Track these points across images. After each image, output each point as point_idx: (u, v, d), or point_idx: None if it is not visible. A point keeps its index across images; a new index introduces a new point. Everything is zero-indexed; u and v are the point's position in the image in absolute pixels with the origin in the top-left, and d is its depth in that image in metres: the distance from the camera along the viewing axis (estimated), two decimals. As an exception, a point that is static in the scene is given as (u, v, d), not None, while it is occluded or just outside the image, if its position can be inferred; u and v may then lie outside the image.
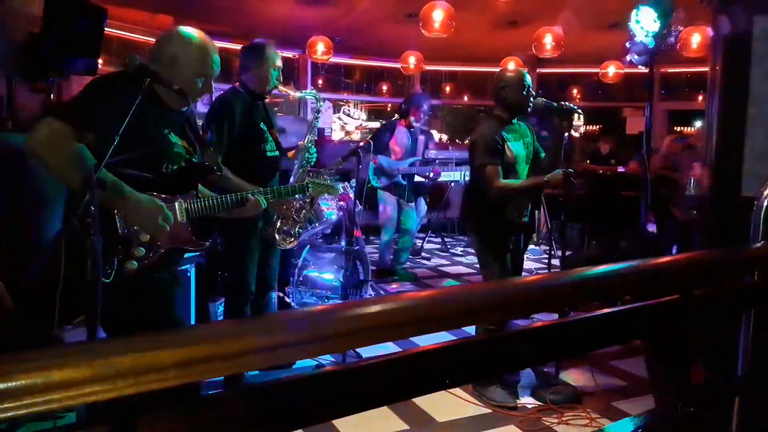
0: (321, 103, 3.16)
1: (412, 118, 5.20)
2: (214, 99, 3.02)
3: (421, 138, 5.42)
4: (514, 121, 3.04)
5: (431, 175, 5.39)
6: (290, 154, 3.10)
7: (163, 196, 1.90)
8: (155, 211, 1.82)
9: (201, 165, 2.09)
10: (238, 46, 3.51)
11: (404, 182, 5.30)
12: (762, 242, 1.66)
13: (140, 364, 0.64)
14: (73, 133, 1.72)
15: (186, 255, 2.12)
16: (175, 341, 0.68)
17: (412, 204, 5.46)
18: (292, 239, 2.97)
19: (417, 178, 5.46)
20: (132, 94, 1.73)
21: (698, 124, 8.68)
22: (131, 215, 1.80)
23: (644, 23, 3.17)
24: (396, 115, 5.47)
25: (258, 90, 2.94)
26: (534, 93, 3.02)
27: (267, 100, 3.09)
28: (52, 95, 4.43)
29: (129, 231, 1.81)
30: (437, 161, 5.84)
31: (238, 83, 2.99)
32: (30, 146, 1.72)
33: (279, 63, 2.96)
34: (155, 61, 1.95)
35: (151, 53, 1.99)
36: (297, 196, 2.80)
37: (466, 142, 8.54)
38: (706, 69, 3.40)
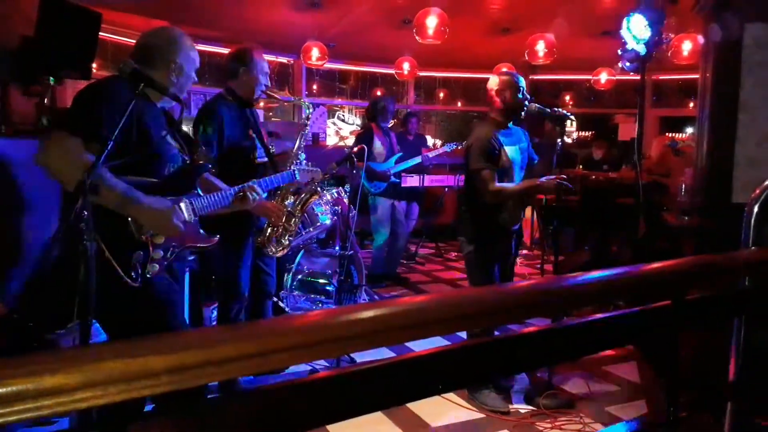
0: (310, 110, 3.15)
1: (380, 122, 5.31)
2: (200, 107, 2.99)
3: (393, 135, 5.49)
4: (510, 125, 3.05)
5: (422, 160, 5.46)
6: (278, 157, 3.08)
7: (169, 198, 1.91)
8: (169, 213, 1.85)
9: (197, 164, 2.11)
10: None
11: (398, 181, 5.33)
12: (753, 248, 1.68)
13: (132, 370, 0.64)
14: (84, 144, 1.72)
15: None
16: (167, 347, 0.67)
17: (404, 207, 5.48)
18: (282, 248, 2.96)
19: (410, 182, 5.49)
20: (128, 99, 1.73)
21: (689, 130, 8.74)
22: (147, 220, 1.82)
23: (636, 31, 3.19)
24: (371, 121, 5.53)
25: (245, 96, 2.91)
26: (528, 96, 3.03)
27: (262, 105, 3.09)
28: (46, 99, 4.41)
29: (144, 236, 1.82)
30: (431, 166, 5.86)
31: (224, 90, 2.95)
32: (43, 161, 1.73)
33: (267, 68, 2.94)
34: (144, 62, 1.94)
35: (143, 55, 1.99)
36: (287, 202, 2.82)
37: (460, 147, 8.52)
38: (697, 76, 3.42)
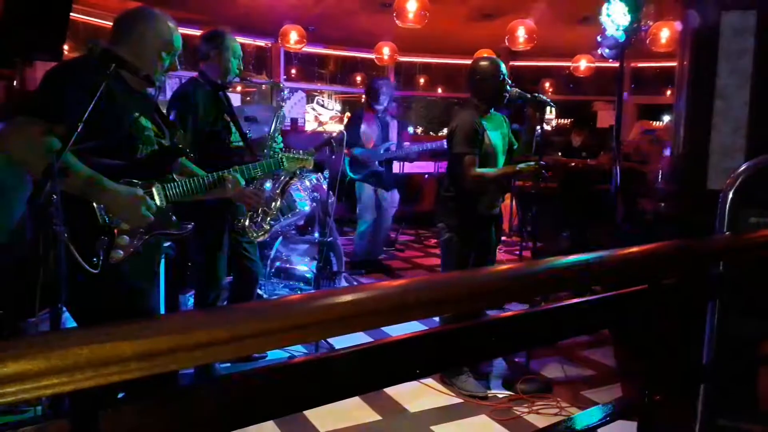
0: (285, 92, 3.11)
1: (378, 106, 5.23)
2: (174, 91, 2.94)
3: (393, 123, 5.42)
4: (491, 111, 3.05)
5: (413, 154, 5.40)
6: (254, 142, 3.03)
7: (140, 182, 1.86)
8: (137, 201, 1.79)
9: (173, 147, 2.06)
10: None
11: (382, 169, 5.29)
12: (727, 233, 1.70)
13: (100, 356, 0.61)
14: (45, 126, 1.67)
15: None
16: (137, 332, 0.65)
17: (388, 194, 5.45)
18: (263, 232, 2.92)
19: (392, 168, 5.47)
20: (98, 80, 1.68)
21: (666, 118, 8.85)
22: (112, 208, 1.76)
23: (615, 17, 3.20)
24: (364, 105, 5.46)
25: (219, 80, 2.87)
26: (510, 82, 3.03)
27: (240, 90, 3.04)
28: (15, 82, 4.29)
29: (110, 220, 1.77)
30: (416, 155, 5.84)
31: (197, 73, 2.92)
32: (4, 147, 1.68)
33: (240, 51, 2.90)
34: (118, 42, 1.91)
35: (114, 34, 1.94)
36: (266, 187, 2.77)
37: (440, 134, 8.53)
38: (674, 64, 3.45)
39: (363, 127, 5.19)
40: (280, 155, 2.62)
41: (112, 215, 1.77)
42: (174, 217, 1.98)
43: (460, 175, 2.93)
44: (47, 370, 0.60)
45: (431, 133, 10.06)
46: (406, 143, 5.70)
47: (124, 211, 1.77)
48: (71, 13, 4.49)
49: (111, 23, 2.03)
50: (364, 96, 5.48)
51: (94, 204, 1.75)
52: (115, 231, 1.78)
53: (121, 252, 1.79)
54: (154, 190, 1.90)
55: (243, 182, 2.29)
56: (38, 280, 1.47)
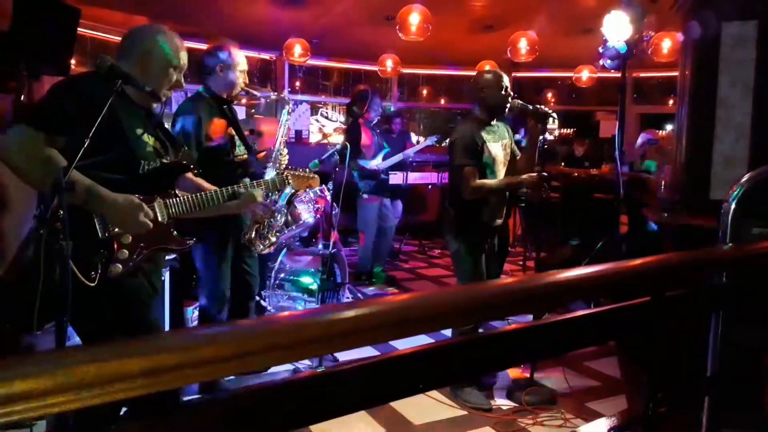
0: (289, 105, 3.13)
1: (372, 114, 5.26)
2: (178, 106, 2.95)
3: (394, 137, 5.47)
4: (493, 122, 3.06)
5: (409, 156, 5.42)
6: (260, 155, 3.05)
7: (141, 197, 1.87)
8: (134, 209, 1.79)
9: (177, 163, 2.07)
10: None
11: (387, 178, 5.32)
12: (730, 244, 1.70)
13: (106, 374, 0.62)
14: (46, 138, 1.69)
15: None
16: (143, 349, 0.66)
17: (391, 204, 5.47)
18: (269, 244, 2.93)
19: (394, 180, 5.48)
20: (103, 96, 1.70)
21: (669, 127, 8.86)
22: (110, 216, 1.77)
23: (617, 28, 3.21)
24: (352, 117, 5.47)
25: (224, 93, 2.89)
26: (512, 94, 3.05)
27: (244, 102, 3.05)
28: (22, 96, 4.33)
29: (110, 234, 1.78)
30: (414, 163, 5.87)
31: (202, 87, 2.93)
32: (2, 154, 1.69)
33: (244, 65, 2.91)
34: (125, 58, 1.93)
35: (121, 49, 1.96)
36: (273, 197, 2.78)
37: (444, 144, 8.54)
38: (676, 74, 3.46)
39: (363, 138, 5.22)
40: (285, 173, 2.62)
41: (111, 224, 1.78)
42: (175, 232, 1.98)
43: (460, 187, 2.95)
44: (54, 388, 0.60)
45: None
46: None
47: (122, 219, 1.78)
48: (78, 28, 4.55)
49: (117, 38, 2.06)
50: (356, 109, 5.41)
51: (95, 217, 1.76)
52: (115, 245, 1.79)
53: (120, 266, 1.79)
54: (155, 205, 1.90)
55: (261, 197, 2.31)
56: (42, 295, 1.48)
